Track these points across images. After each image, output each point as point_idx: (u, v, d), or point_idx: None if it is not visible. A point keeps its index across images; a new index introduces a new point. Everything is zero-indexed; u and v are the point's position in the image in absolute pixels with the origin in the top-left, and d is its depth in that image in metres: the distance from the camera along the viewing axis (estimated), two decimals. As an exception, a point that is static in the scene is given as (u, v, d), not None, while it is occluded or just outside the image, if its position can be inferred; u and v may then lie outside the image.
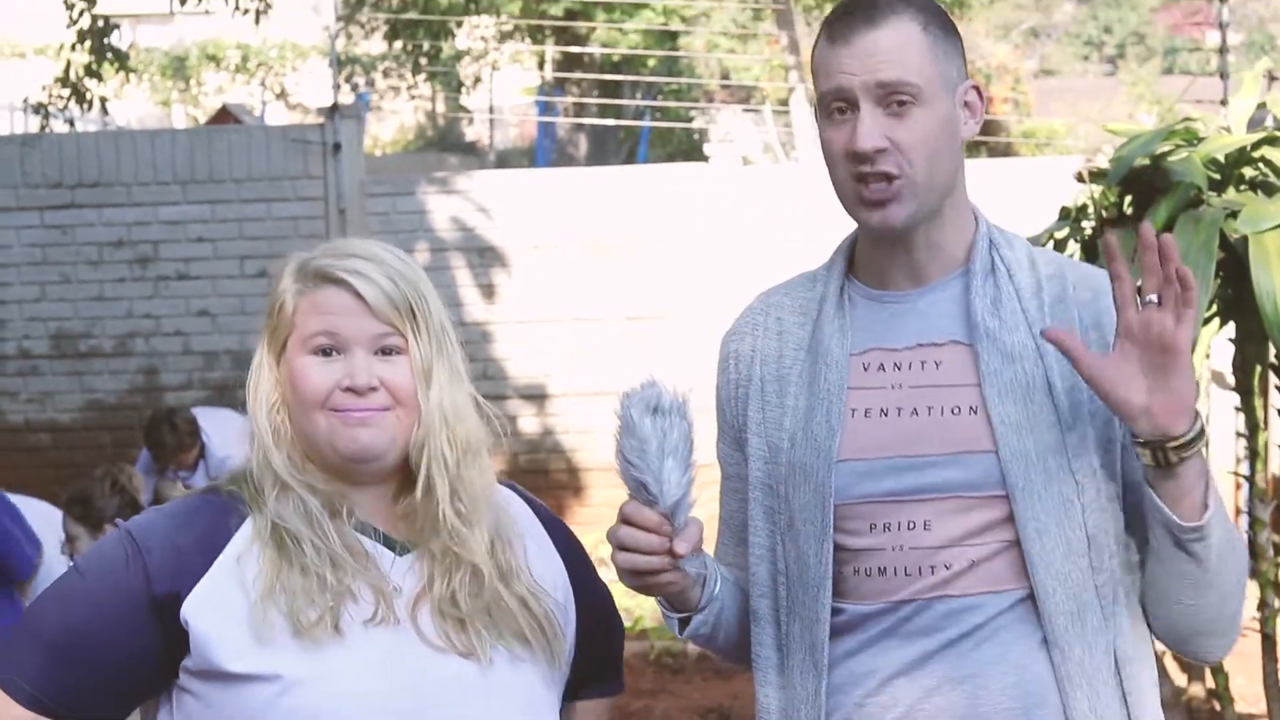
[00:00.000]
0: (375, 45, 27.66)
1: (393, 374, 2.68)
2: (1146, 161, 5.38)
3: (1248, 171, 5.40)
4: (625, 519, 2.68)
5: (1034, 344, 2.74)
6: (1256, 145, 5.37)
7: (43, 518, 7.27)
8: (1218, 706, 6.40)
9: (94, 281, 13.05)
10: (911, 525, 2.75)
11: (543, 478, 12.77)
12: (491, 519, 2.78)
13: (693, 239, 12.90)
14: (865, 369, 2.83)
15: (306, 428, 2.69)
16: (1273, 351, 5.54)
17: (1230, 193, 5.32)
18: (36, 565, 7.02)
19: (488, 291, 13.04)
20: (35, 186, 13.05)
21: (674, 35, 23.24)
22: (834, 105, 2.76)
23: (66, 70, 13.54)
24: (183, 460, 9.44)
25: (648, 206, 12.99)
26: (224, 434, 9.53)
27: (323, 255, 2.73)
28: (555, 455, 13.12)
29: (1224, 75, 11.90)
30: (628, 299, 12.93)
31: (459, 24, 24.07)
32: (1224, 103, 10.38)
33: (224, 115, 20.53)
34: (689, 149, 25.73)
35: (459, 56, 26.34)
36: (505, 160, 29.12)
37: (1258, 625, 5.80)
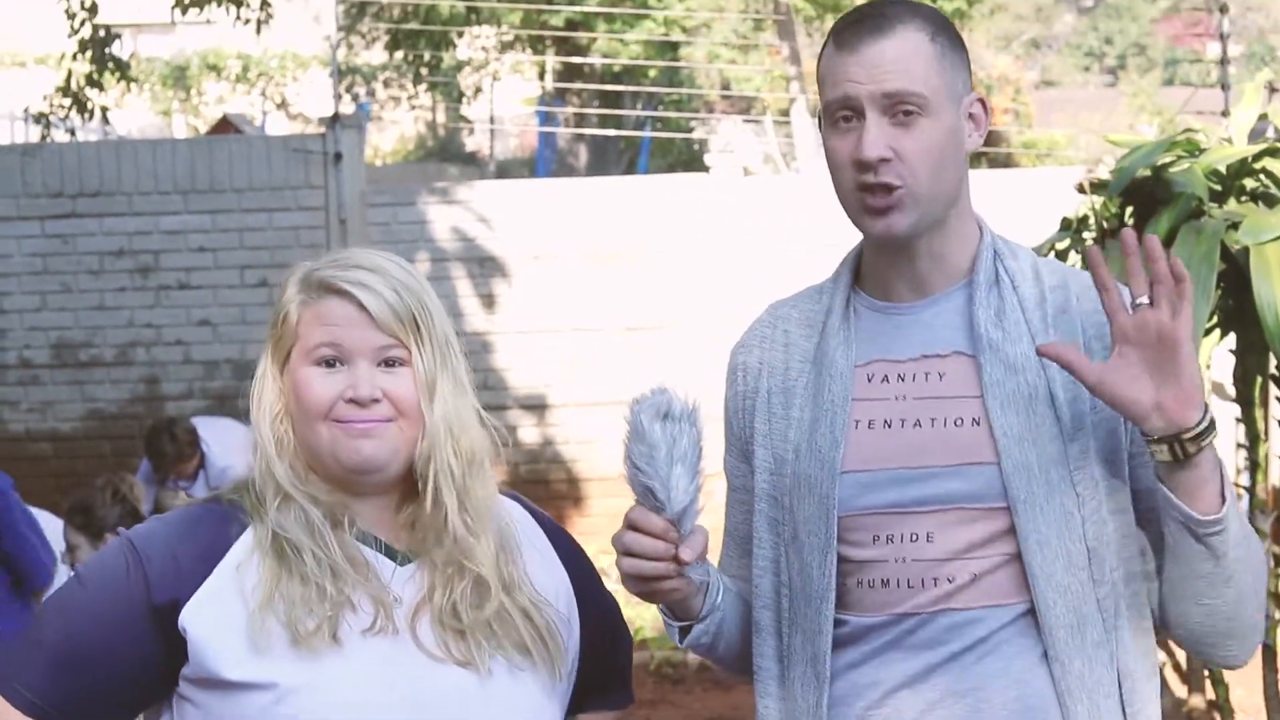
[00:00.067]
0: (376, 55, 27.68)
1: (396, 385, 2.69)
2: (1148, 172, 5.39)
3: (1249, 183, 5.41)
4: (631, 524, 2.68)
5: (1037, 356, 2.74)
6: (1258, 156, 5.37)
7: (44, 527, 7.27)
8: (1218, 718, 6.39)
9: (95, 291, 13.06)
10: (914, 537, 2.75)
11: (543, 488, 12.77)
12: (495, 529, 2.78)
13: (693, 249, 12.90)
14: (869, 380, 2.83)
15: (309, 438, 2.70)
16: (1273, 363, 5.54)
17: (1231, 204, 5.32)
18: (53, 574, 7.03)
19: (488, 301, 13.05)
20: (36, 196, 13.06)
21: (675, 46, 23.24)
22: (840, 113, 2.77)
23: (67, 80, 13.55)
24: (183, 470, 9.45)
25: (648, 217, 12.99)
26: (224, 443, 9.54)
27: (327, 266, 2.73)
28: (555, 465, 13.12)
29: (1225, 86, 11.90)
30: (628, 309, 12.94)
31: (460, 34, 24.08)
32: (1225, 114, 10.38)
33: (225, 125, 20.52)
34: (690, 159, 25.74)
35: (460, 67, 26.34)
36: (506, 170, 29.12)
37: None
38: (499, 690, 2.68)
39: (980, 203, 2.94)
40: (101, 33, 13.33)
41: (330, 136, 13.09)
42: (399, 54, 24.69)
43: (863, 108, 2.73)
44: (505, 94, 30.77)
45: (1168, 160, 5.44)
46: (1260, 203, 5.35)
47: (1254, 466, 5.75)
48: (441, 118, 31.05)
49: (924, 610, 2.75)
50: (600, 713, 3.02)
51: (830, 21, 21.46)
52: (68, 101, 13.54)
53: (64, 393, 13.14)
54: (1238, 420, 5.86)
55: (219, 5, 13.12)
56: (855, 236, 2.87)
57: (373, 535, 2.74)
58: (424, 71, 24.94)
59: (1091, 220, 5.75)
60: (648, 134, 25.18)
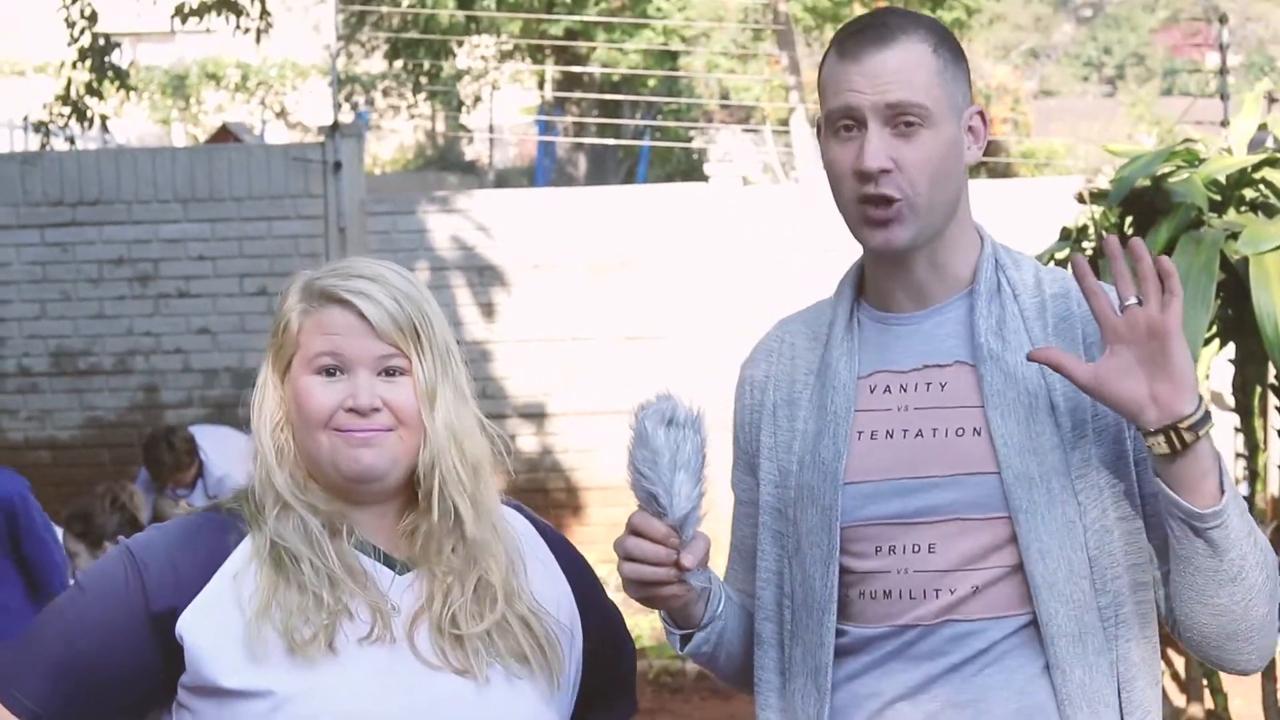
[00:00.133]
0: (375, 64, 27.70)
1: (396, 394, 2.69)
2: (1147, 182, 5.39)
3: (1248, 193, 5.41)
4: (633, 530, 2.68)
5: (1038, 365, 2.74)
6: (1257, 167, 5.38)
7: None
8: (1217, 727, 6.39)
9: (94, 299, 13.06)
10: (916, 548, 2.75)
11: (541, 497, 12.76)
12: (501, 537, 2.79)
13: (692, 259, 12.90)
14: (871, 391, 2.83)
15: (310, 447, 2.70)
16: (1273, 372, 5.55)
17: (1231, 214, 5.32)
18: (67, 580, 7.03)
19: (487, 310, 13.05)
20: (36, 204, 13.06)
21: (674, 55, 23.26)
22: (841, 123, 2.76)
23: (67, 88, 13.55)
24: (181, 479, 9.44)
25: (647, 226, 12.99)
26: (222, 452, 9.53)
27: (328, 275, 2.73)
28: (554, 474, 13.12)
29: (1224, 96, 11.93)
30: (627, 318, 12.94)
31: (459, 43, 24.10)
32: (1224, 124, 10.40)
33: (224, 134, 20.56)
34: (688, 169, 25.75)
35: (459, 76, 26.36)
36: (505, 179, 29.12)
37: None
38: (496, 698, 2.68)
39: (979, 212, 2.94)
40: (101, 41, 13.34)
41: (329, 145, 13.10)
42: (398, 63, 24.71)
43: (864, 117, 2.73)
44: (504, 103, 30.79)
45: (1167, 170, 5.45)
46: (1260, 213, 5.35)
47: (1253, 476, 5.75)
48: (441, 127, 31.08)
49: (926, 622, 2.74)
50: (604, 723, 3.02)
51: (829, 31, 21.49)
52: (67, 110, 13.55)
53: (63, 401, 13.14)
54: (1237, 430, 5.87)
55: (219, 14, 13.12)
56: (854, 246, 2.87)
57: (371, 544, 2.74)
58: (423, 80, 24.96)
59: (1091, 230, 5.75)
60: (647, 143, 25.18)
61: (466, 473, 2.72)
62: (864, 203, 2.75)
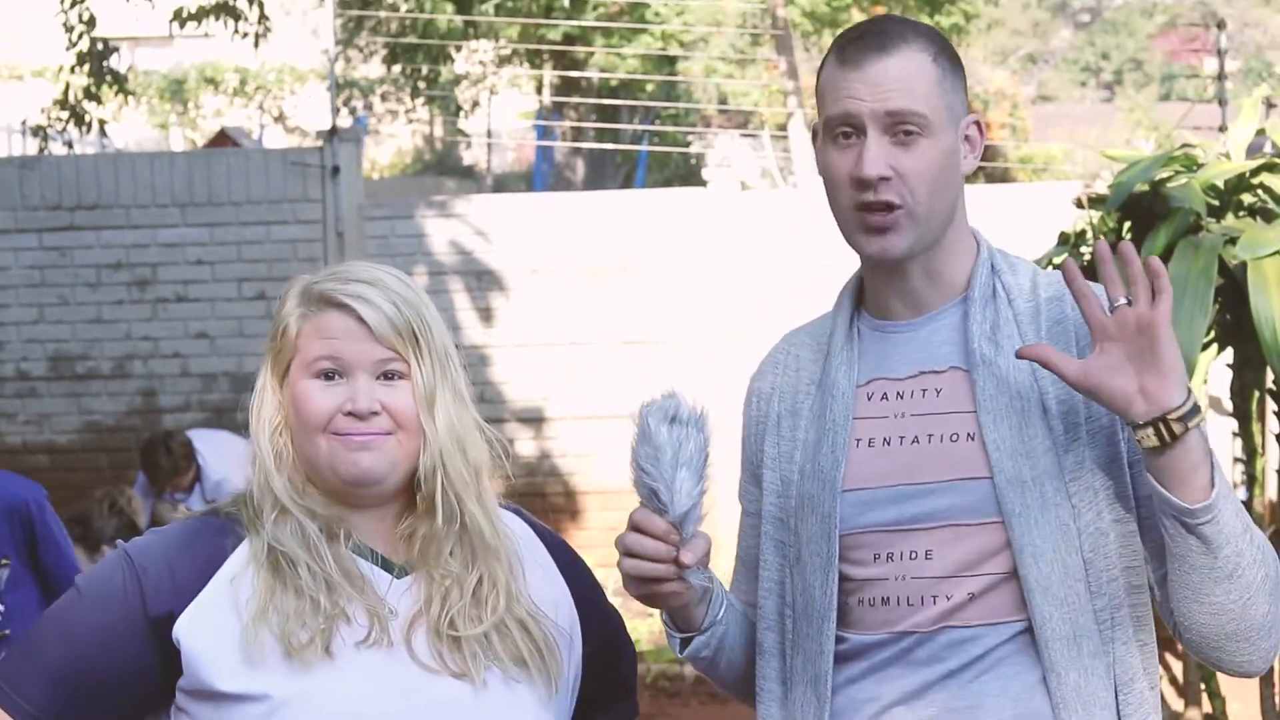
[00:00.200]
0: (373, 69, 27.67)
1: (394, 398, 2.69)
2: (1145, 187, 5.40)
3: (1246, 198, 5.42)
4: (634, 526, 2.69)
5: (1030, 369, 2.74)
6: (1255, 172, 5.38)
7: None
8: (1215, 732, 6.39)
9: (92, 303, 13.06)
10: (914, 555, 2.76)
11: (539, 501, 12.76)
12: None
13: (690, 263, 12.90)
14: (869, 399, 2.84)
15: (308, 451, 2.70)
16: (1270, 377, 5.55)
17: (1229, 219, 5.33)
18: None
19: (485, 315, 13.05)
20: (34, 208, 13.06)
21: (672, 60, 23.24)
22: (840, 129, 2.77)
23: (65, 93, 13.54)
24: (178, 483, 9.45)
25: (645, 231, 12.99)
26: (220, 456, 9.54)
27: (326, 279, 2.74)
28: (552, 478, 13.11)
29: (1222, 102, 11.94)
30: (625, 323, 12.94)
31: (457, 48, 24.09)
32: (1222, 129, 10.41)
33: (222, 138, 20.54)
34: (687, 174, 25.72)
35: (457, 80, 26.34)
36: (503, 184, 29.12)
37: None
38: (494, 702, 2.69)
39: (977, 217, 2.94)
40: (99, 46, 13.34)
41: (328, 150, 13.10)
42: (396, 68, 24.69)
43: (864, 125, 2.74)
44: (503, 108, 30.75)
45: (1165, 175, 5.45)
46: (1258, 218, 5.36)
47: (1251, 481, 5.75)
48: (439, 131, 31.06)
49: (923, 628, 2.75)
50: (606, 726, 3.03)
51: (828, 37, 21.49)
52: (65, 114, 13.54)
53: (61, 405, 13.14)
54: (1235, 435, 5.87)
55: (217, 19, 13.13)
56: (853, 252, 2.87)
57: (369, 548, 2.74)
58: (421, 85, 24.93)
59: (1089, 235, 5.75)
60: (645, 148, 25.18)
61: (469, 475, 2.73)
62: (861, 209, 2.76)
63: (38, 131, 13.93)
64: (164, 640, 2.65)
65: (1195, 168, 5.50)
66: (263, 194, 13.02)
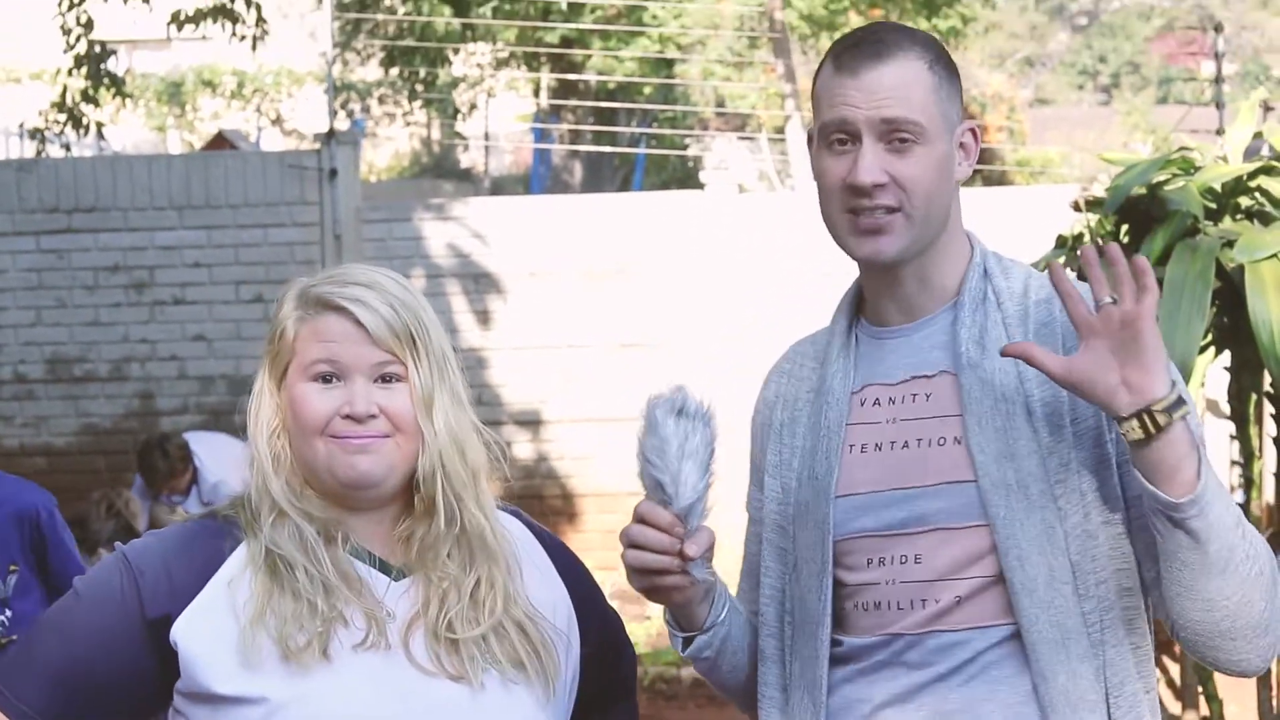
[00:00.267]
0: (371, 72, 27.66)
1: (392, 401, 2.69)
2: (1143, 190, 5.39)
3: (1244, 201, 5.41)
4: (639, 518, 2.70)
5: (1016, 372, 2.75)
6: (1253, 175, 5.38)
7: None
8: (1212, 735, 6.38)
9: (90, 306, 13.05)
10: (904, 559, 2.77)
11: (537, 503, 12.75)
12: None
13: (688, 266, 12.90)
14: (862, 404, 2.86)
15: (306, 454, 2.71)
16: (1268, 380, 5.55)
17: (1226, 222, 5.32)
18: None
19: (483, 318, 13.04)
20: (31, 211, 13.06)
21: (670, 63, 23.25)
22: (835, 136, 2.78)
23: (63, 95, 13.53)
24: (175, 485, 9.46)
25: (643, 234, 12.99)
26: (217, 458, 9.55)
27: (324, 282, 2.74)
28: (549, 481, 13.11)
29: (1219, 105, 11.95)
30: (623, 326, 12.93)
31: (455, 51, 24.09)
32: (1219, 132, 10.42)
33: (220, 141, 20.54)
34: (684, 176, 25.74)
35: (455, 83, 26.33)
36: (500, 187, 29.12)
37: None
38: (491, 704, 2.69)
39: (974, 220, 2.95)
40: (97, 48, 13.31)
41: (325, 152, 13.09)
42: (394, 70, 24.68)
43: (859, 132, 2.75)
44: (500, 111, 30.75)
45: (1163, 178, 5.45)
46: (1255, 221, 5.35)
47: (1248, 484, 5.75)
48: (436, 134, 31.05)
49: (912, 631, 2.76)
50: (607, 727, 3.03)
51: (825, 40, 21.50)
52: (63, 117, 13.52)
53: (58, 408, 13.13)
54: (1232, 437, 5.86)
55: (214, 22, 13.12)
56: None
57: (367, 550, 2.74)
58: (419, 88, 24.93)
59: (1086, 238, 5.75)
60: (643, 151, 25.19)
61: (467, 477, 2.73)
62: (853, 214, 2.76)
63: (35, 134, 13.91)
64: (161, 642, 2.65)
65: (1193, 171, 5.49)
66: (260, 197, 13.01)
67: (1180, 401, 2.55)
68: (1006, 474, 2.71)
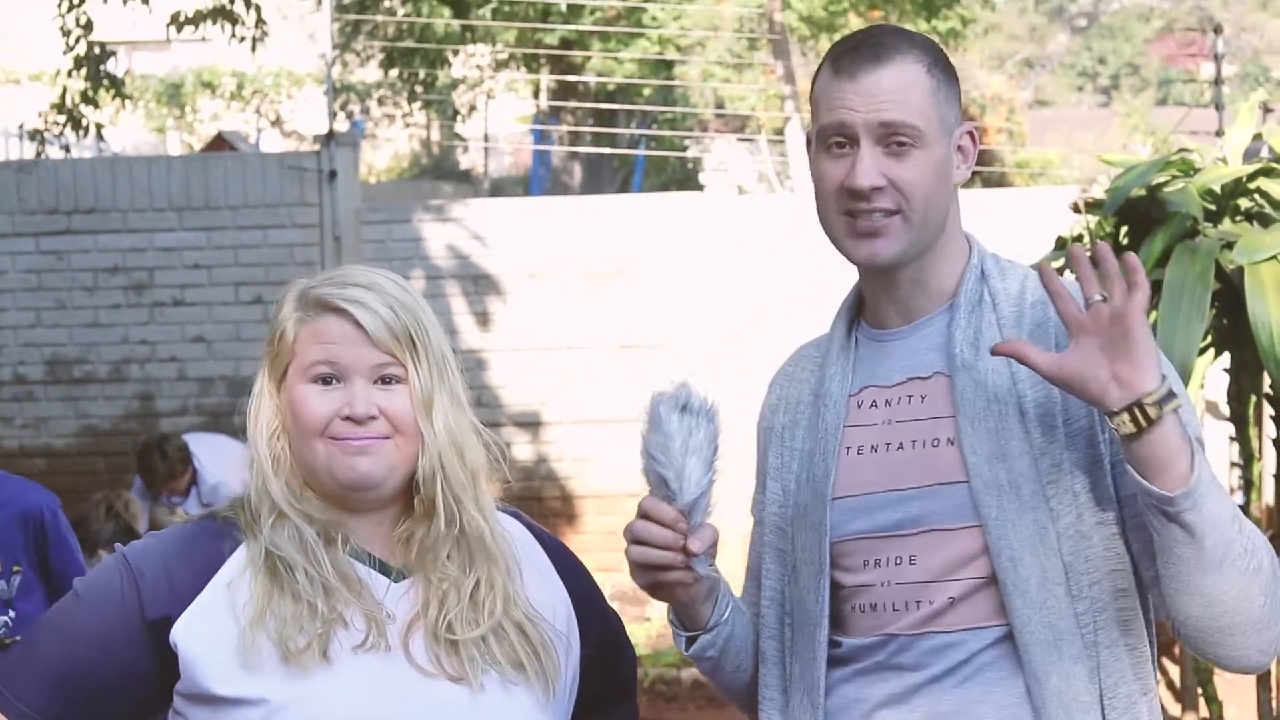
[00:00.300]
0: (371, 73, 27.66)
1: (392, 403, 2.69)
2: (1142, 192, 5.39)
3: (1244, 202, 5.41)
4: (642, 513, 2.70)
5: (1009, 373, 2.75)
6: (1252, 176, 5.38)
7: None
8: (1212, 737, 6.38)
9: (89, 307, 13.05)
10: (898, 560, 2.77)
11: (536, 505, 12.75)
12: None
13: (687, 268, 12.90)
14: (859, 407, 2.87)
15: (306, 455, 2.71)
16: (1267, 382, 5.54)
17: (1226, 223, 5.32)
18: None
19: (482, 319, 13.04)
20: (31, 213, 13.06)
21: (669, 64, 23.25)
22: (833, 139, 2.79)
23: (62, 97, 13.53)
24: (174, 486, 9.47)
25: (642, 235, 12.99)
26: (217, 460, 9.56)
27: (323, 283, 2.74)
28: (549, 483, 13.11)
29: (1219, 107, 11.94)
30: (622, 327, 12.93)
31: (455, 52, 24.09)
32: (1219, 134, 10.41)
33: (219, 142, 20.53)
34: (684, 178, 25.72)
35: (454, 85, 26.33)
36: (500, 188, 29.11)
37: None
38: (491, 705, 2.69)
39: (974, 222, 2.95)
40: (96, 50, 13.31)
41: (325, 154, 13.09)
42: (394, 72, 24.68)
43: (857, 135, 2.76)
44: (500, 112, 30.76)
45: (1162, 180, 5.45)
46: (1255, 222, 5.35)
47: (1248, 485, 5.74)
48: (436, 135, 31.05)
49: (907, 632, 2.77)
50: (607, 727, 3.03)
51: (825, 41, 21.49)
52: (63, 118, 13.52)
53: (58, 409, 13.13)
54: (1232, 439, 5.86)
55: (214, 23, 13.12)
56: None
57: (367, 552, 2.75)
58: (419, 89, 24.93)
59: (1086, 239, 5.75)
60: (642, 152, 25.18)
61: (467, 479, 2.73)
62: (850, 217, 2.77)
63: (35, 135, 13.91)
64: (161, 644, 2.65)
65: (1192, 172, 5.49)
66: (260, 198, 13.01)
67: (1171, 395, 2.54)
68: (998, 475, 2.71)
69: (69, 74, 13.39)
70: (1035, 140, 30.53)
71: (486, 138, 29.81)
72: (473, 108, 27.49)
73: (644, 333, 12.88)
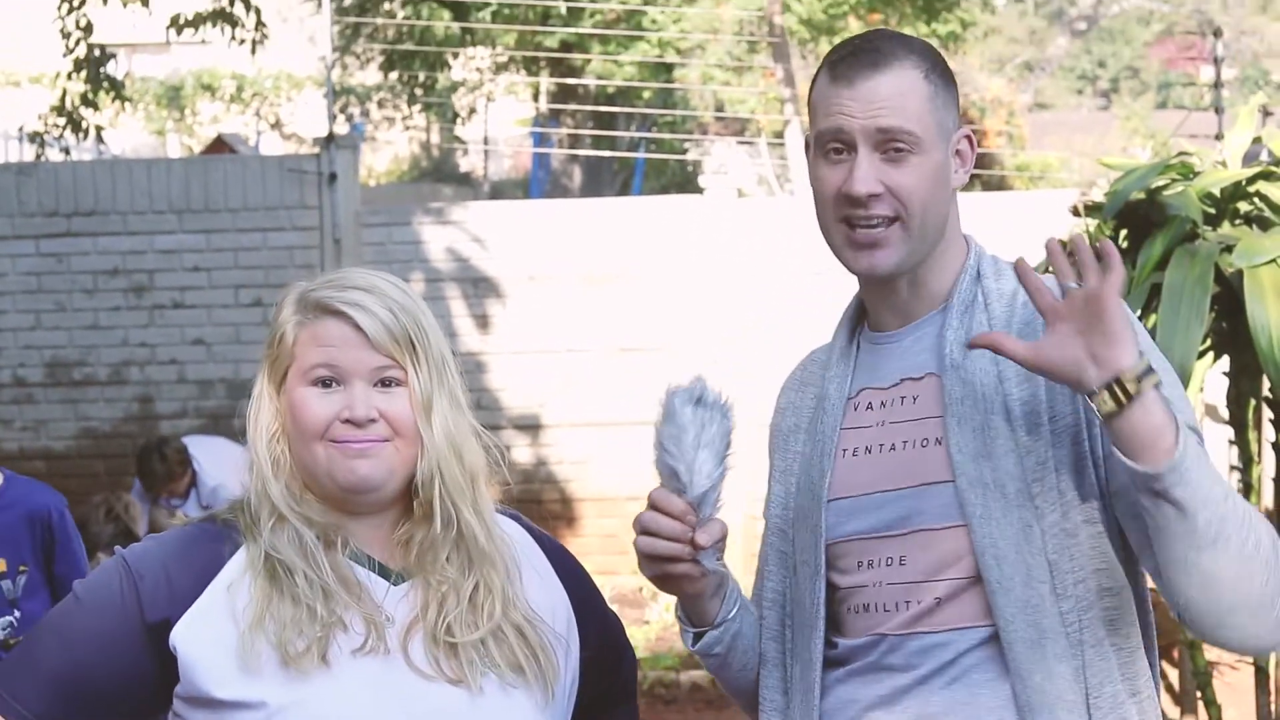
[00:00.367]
0: (371, 76, 27.66)
1: (391, 405, 2.69)
2: (1142, 195, 5.39)
3: (1243, 206, 5.41)
4: (652, 504, 2.71)
5: (996, 372, 2.75)
6: (1252, 180, 5.38)
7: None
8: (1211, 740, 6.39)
9: (89, 310, 13.05)
10: (889, 561, 2.78)
11: (536, 508, 12.74)
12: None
13: (687, 271, 12.90)
14: (856, 409, 2.88)
15: (306, 458, 2.70)
16: (1267, 385, 5.55)
17: (1225, 227, 5.33)
18: None
19: (482, 322, 13.04)
20: (31, 215, 13.06)
21: (669, 67, 23.25)
22: (830, 145, 2.79)
23: (62, 99, 13.54)
24: (173, 488, 9.47)
25: (642, 238, 12.99)
26: (216, 462, 9.56)
27: (323, 286, 2.74)
28: (549, 485, 13.10)
29: (1218, 110, 11.93)
30: (622, 330, 12.93)
31: (454, 55, 24.10)
32: (1219, 137, 10.40)
33: (219, 145, 20.53)
34: (683, 181, 25.72)
35: (454, 87, 26.35)
36: (500, 191, 29.11)
37: (1250, 658, 5.79)
38: (490, 708, 2.69)
39: (973, 225, 2.95)
40: (96, 52, 13.32)
41: (325, 157, 13.09)
42: (394, 75, 24.70)
43: (855, 141, 2.76)
44: (499, 115, 30.78)
45: (1162, 183, 5.45)
46: (1254, 226, 5.36)
47: (1247, 489, 5.75)
48: (436, 138, 31.06)
49: (896, 632, 2.77)
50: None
51: (825, 45, 21.48)
52: (62, 121, 13.53)
53: (57, 411, 13.13)
54: (1231, 443, 5.86)
55: (214, 26, 13.12)
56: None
57: (366, 555, 2.74)
58: (418, 92, 24.96)
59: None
60: (642, 155, 25.18)
61: (466, 481, 2.73)
62: (848, 224, 2.78)
63: (35, 138, 13.92)
64: (161, 647, 2.65)
65: (1192, 176, 5.50)
66: (259, 201, 13.01)
67: (1150, 370, 2.53)
68: (983, 473, 2.71)
69: (69, 76, 13.40)
70: (1035, 143, 30.53)
71: (486, 140, 29.83)
72: (472, 110, 27.52)
73: (643, 335, 12.88)
